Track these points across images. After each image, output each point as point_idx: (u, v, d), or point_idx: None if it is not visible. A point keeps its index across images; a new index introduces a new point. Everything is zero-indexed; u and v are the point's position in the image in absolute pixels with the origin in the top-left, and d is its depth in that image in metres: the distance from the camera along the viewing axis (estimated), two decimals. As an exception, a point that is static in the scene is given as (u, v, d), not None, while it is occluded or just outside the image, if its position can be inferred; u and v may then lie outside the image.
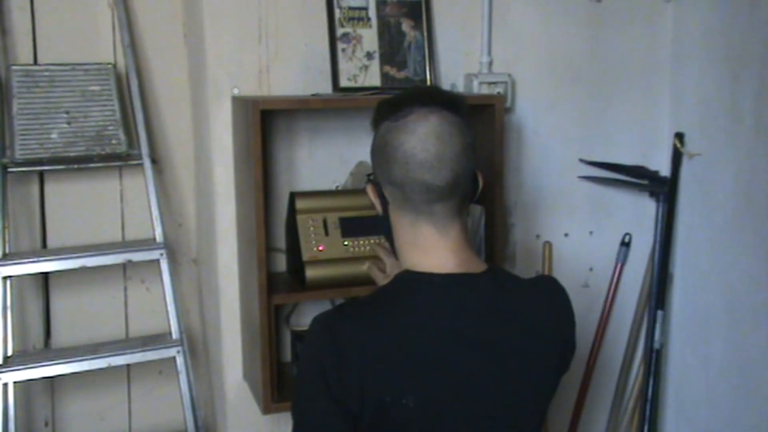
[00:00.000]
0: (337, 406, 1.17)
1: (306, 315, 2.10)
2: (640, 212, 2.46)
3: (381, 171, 1.29)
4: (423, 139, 1.23)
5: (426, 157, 1.22)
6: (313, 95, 2.01)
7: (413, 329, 1.21)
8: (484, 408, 1.22)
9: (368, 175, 1.36)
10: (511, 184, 2.30)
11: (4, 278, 1.98)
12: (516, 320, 1.26)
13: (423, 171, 1.23)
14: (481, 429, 1.23)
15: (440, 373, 1.20)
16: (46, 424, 2.23)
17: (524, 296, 1.30)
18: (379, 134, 1.29)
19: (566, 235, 2.41)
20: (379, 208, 1.35)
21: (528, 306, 1.29)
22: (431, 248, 1.27)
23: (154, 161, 2.18)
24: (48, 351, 2.16)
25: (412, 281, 1.26)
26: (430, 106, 1.26)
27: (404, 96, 1.30)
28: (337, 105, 2.02)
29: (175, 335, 2.12)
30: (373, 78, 2.06)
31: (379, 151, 1.29)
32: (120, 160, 2.14)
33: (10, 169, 2.05)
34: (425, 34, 2.11)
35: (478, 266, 1.29)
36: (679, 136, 2.39)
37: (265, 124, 1.87)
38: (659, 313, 2.43)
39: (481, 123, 2.00)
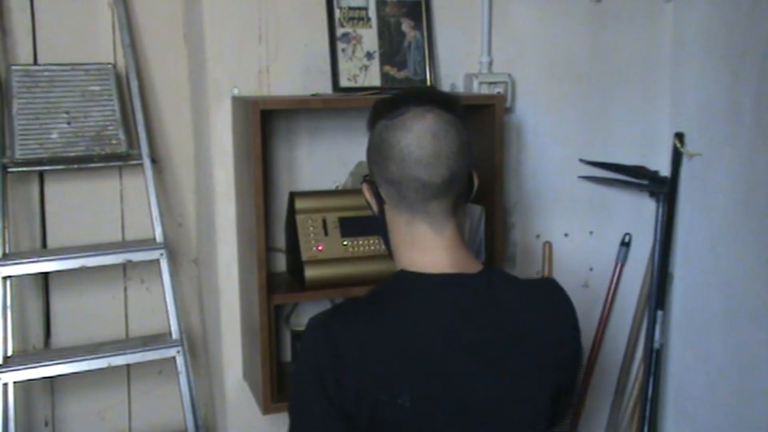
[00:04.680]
0: (332, 407, 1.18)
1: (306, 315, 2.10)
2: (640, 212, 2.46)
3: (377, 169, 1.29)
4: (419, 136, 1.23)
5: (422, 155, 1.23)
6: (313, 95, 2.01)
7: (407, 329, 1.21)
8: (479, 408, 1.22)
9: (365, 176, 1.37)
10: (511, 184, 2.30)
11: (4, 278, 1.98)
12: (510, 321, 1.26)
13: (419, 168, 1.23)
14: (477, 429, 1.23)
15: (434, 373, 1.20)
16: (46, 424, 2.23)
17: (519, 297, 1.29)
18: (376, 133, 1.30)
19: (566, 235, 2.41)
20: (374, 208, 1.35)
21: (522, 307, 1.28)
22: (426, 247, 1.27)
23: (154, 161, 2.18)
24: (48, 351, 2.16)
25: (407, 281, 1.26)
26: (426, 105, 1.27)
27: (400, 96, 1.31)
28: (337, 105, 2.02)
29: (175, 335, 2.11)
30: (373, 78, 2.06)
31: (376, 149, 1.29)
32: (120, 160, 2.14)
33: (10, 169, 2.05)
34: (425, 34, 2.11)
35: (473, 266, 1.29)
36: (679, 136, 2.39)
37: (265, 124, 1.87)
38: (659, 313, 2.43)
39: (481, 123, 2.00)
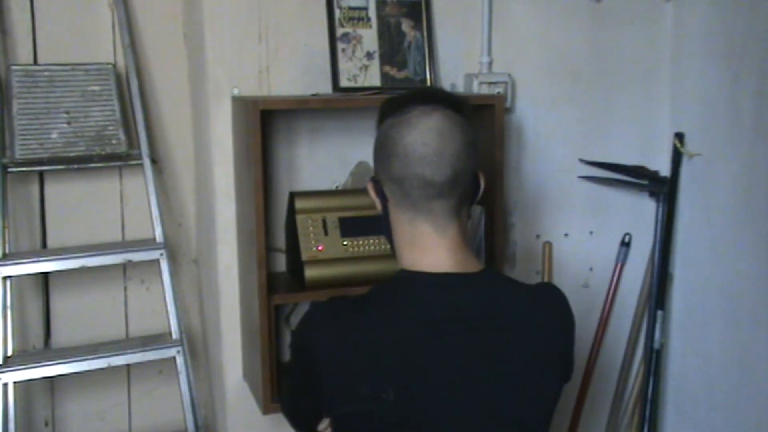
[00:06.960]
0: (314, 392, 1.24)
1: (306, 315, 2.10)
2: (640, 212, 2.46)
3: (382, 167, 1.30)
4: (424, 134, 1.24)
5: (426, 152, 1.23)
6: (313, 95, 2.01)
7: (398, 325, 1.22)
8: (468, 407, 1.22)
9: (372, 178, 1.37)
10: (511, 184, 2.30)
11: (4, 278, 1.98)
12: (508, 322, 1.26)
13: (422, 166, 1.23)
14: (464, 428, 1.23)
15: (425, 370, 1.20)
16: (46, 424, 2.23)
17: (518, 299, 1.29)
18: (382, 131, 1.31)
19: (566, 235, 2.41)
20: (378, 206, 1.35)
21: (521, 309, 1.28)
22: (428, 247, 1.27)
23: (154, 161, 2.18)
24: (48, 351, 2.16)
25: (406, 279, 1.27)
26: (432, 104, 1.27)
27: (408, 94, 1.32)
28: (337, 105, 2.02)
29: (175, 335, 2.11)
30: (373, 78, 2.06)
31: (381, 146, 1.30)
32: (120, 160, 2.14)
33: (10, 169, 2.05)
34: (425, 34, 2.11)
35: (474, 267, 1.29)
36: (679, 136, 2.39)
37: (265, 124, 1.87)
38: (659, 313, 2.43)
39: (481, 123, 2.00)
